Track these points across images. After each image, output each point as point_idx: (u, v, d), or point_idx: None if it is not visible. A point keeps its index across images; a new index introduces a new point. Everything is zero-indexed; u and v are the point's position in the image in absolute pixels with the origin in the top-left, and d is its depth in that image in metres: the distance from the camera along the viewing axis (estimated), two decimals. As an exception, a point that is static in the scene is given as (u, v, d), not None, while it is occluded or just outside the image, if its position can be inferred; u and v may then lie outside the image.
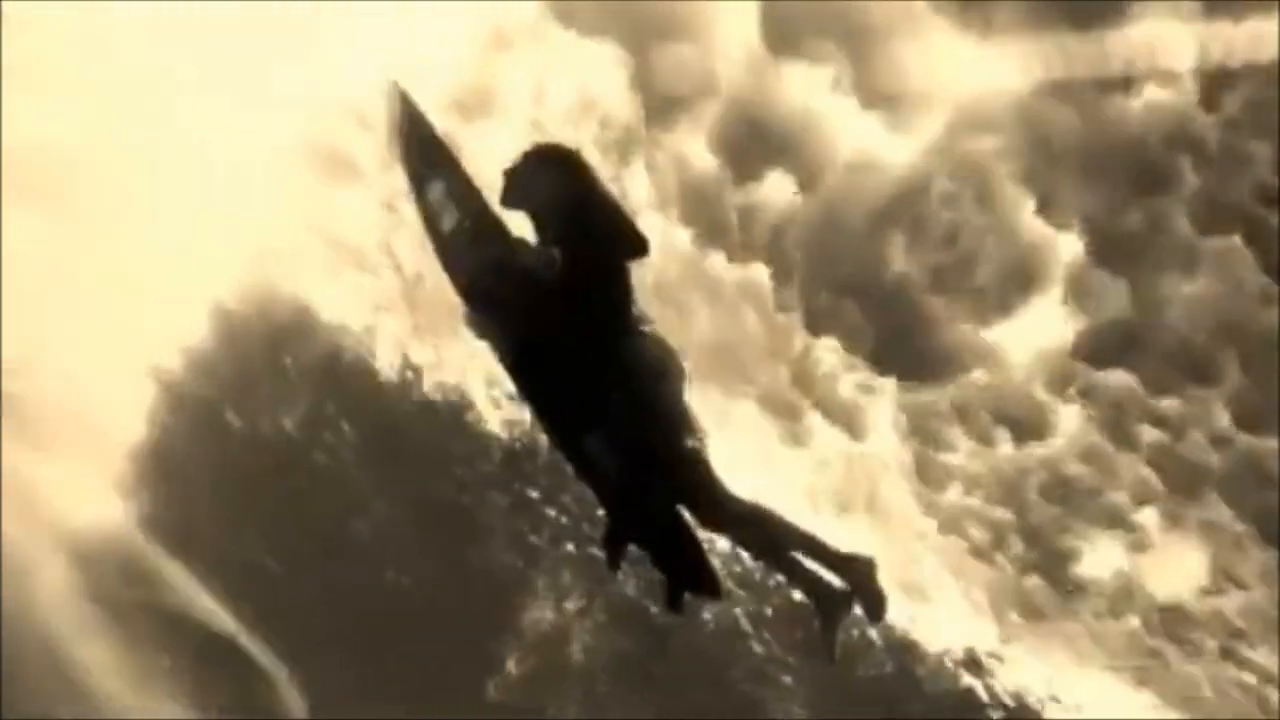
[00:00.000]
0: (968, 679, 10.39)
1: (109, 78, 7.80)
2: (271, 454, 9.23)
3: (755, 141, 10.19)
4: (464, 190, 5.49)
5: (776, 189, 10.42)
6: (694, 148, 10.41)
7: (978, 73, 10.01)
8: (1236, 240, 10.41)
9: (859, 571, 5.22)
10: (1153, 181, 10.43)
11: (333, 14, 7.24)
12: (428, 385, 9.79)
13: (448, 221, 5.48)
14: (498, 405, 9.88)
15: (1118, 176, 10.48)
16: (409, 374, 9.82)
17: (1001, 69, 9.92)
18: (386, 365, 9.83)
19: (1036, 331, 10.70)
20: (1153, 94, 10.30)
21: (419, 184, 5.56)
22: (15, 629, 7.85)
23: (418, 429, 9.72)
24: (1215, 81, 10.10)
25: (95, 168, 7.84)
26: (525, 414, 9.57)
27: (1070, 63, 9.79)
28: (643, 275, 4.95)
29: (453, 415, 9.82)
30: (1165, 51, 9.74)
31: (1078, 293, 10.78)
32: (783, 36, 9.71)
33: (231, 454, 9.05)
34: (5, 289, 7.64)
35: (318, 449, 9.36)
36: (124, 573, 8.50)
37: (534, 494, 9.87)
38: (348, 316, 9.63)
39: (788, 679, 9.95)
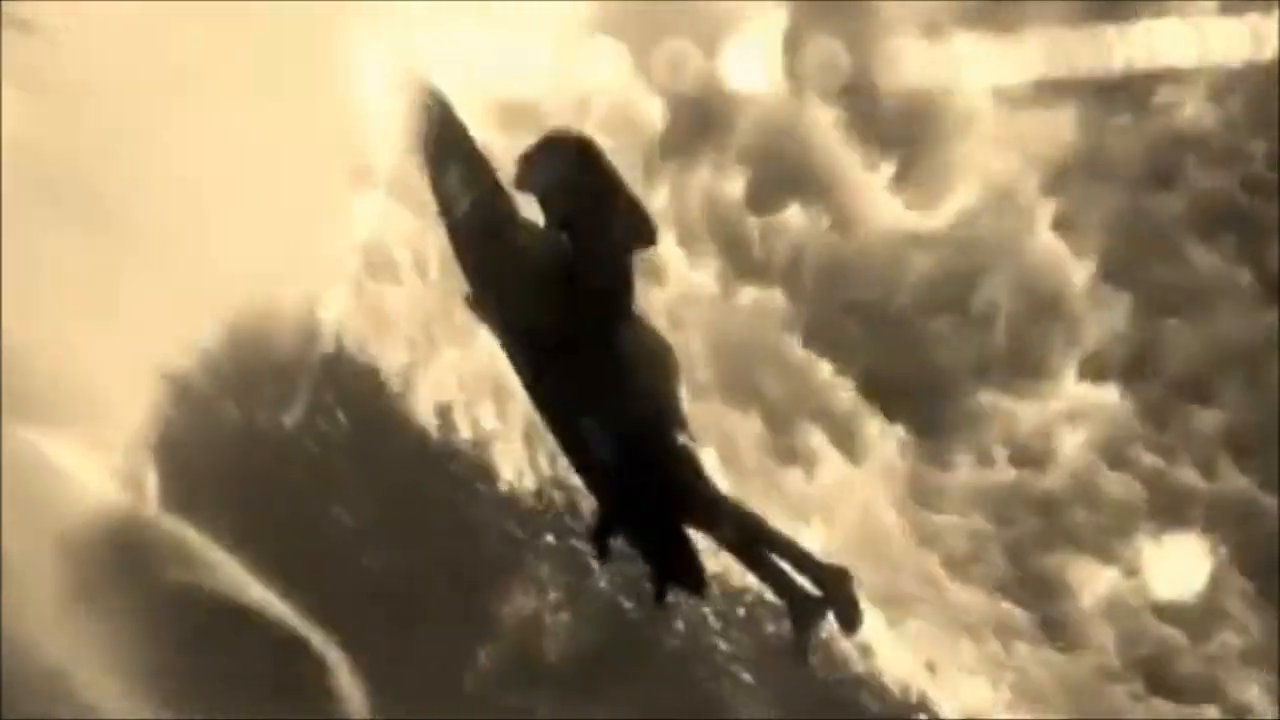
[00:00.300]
0: (928, 690, 10.59)
1: (121, 75, 7.90)
2: (269, 446, 9.37)
3: (779, 172, 10.35)
4: (480, 175, 5.72)
5: (797, 217, 10.60)
6: (719, 170, 10.59)
7: (986, 71, 10.09)
8: (1234, 248, 10.51)
9: (836, 582, 5.47)
10: (1159, 184, 10.53)
11: (358, 15, 7.35)
12: (429, 384, 9.95)
13: (461, 205, 5.66)
14: (502, 412, 10.05)
15: (1128, 180, 10.59)
16: (412, 373, 9.97)
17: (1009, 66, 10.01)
18: (390, 364, 9.99)
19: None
20: (1162, 93, 10.41)
21: (435, 169, 5.72)
22: (15, 627, 7.96)
23: (415, 423, 9.89)
24: (1219, 80, 10.22)
25: (105, 167, 7.95)
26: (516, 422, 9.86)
27: (1078, 61, 9.88)
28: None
29: (449, 412, 9.99)
30: (1172, 50, 9.84)
31: (1085, 310, 10.88)
32: (794, 40, 9.85)
33: (229, 445, 9.19)
34: (10, 284, 7.75)
35: (310, 438, 9.52)
36: (136, 559, 8.61)
37: (517, 488, 10.04)
38: (354, 316, 9.77)
39: (751, 678, 10.16)
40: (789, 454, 10.88)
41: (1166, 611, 11.03)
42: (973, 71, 9.99)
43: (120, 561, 8.56)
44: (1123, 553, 11.12)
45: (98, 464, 8.74)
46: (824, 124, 10.49)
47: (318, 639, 9.08)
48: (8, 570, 7.98)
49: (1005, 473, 11.07)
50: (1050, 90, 10.14)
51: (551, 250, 5.44)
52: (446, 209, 5.76)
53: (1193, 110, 10.39)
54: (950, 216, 10.75)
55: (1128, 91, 10.21)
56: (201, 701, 8.56)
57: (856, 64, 9.98)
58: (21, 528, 8.07)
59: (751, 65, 9.97)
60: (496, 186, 5.67)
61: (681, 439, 5.39)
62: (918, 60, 9.87)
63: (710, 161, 10.62)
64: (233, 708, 8.63)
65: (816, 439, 10.94)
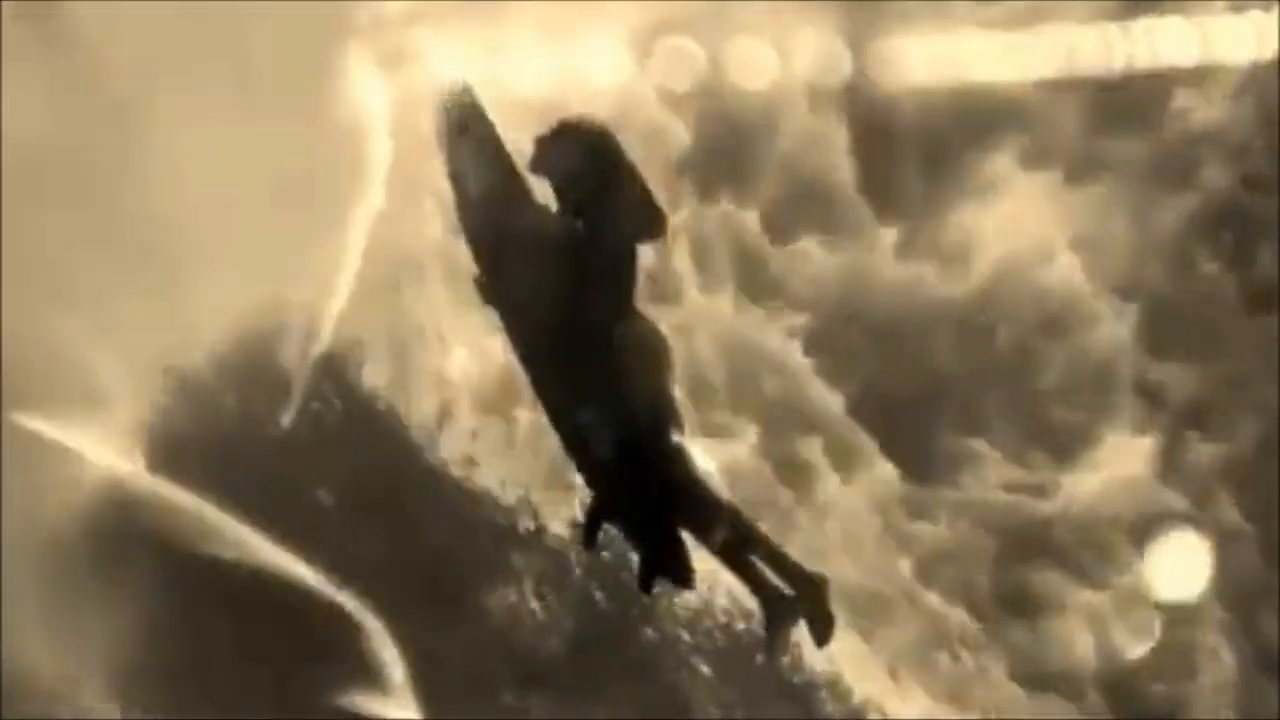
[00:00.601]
0: (889, 699, 10.75)
1: (124, 73, 7.96)
2: (266, 436, 9.46)
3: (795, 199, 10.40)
4: (496, 158, 5.81)
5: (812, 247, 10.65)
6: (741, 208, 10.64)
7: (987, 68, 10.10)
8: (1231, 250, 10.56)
9: (812, 590, 5.65)
10: (1173, 185, 10.56)
11: (363, 14, 7.38)
12: (431, 383, 10.04)
13: (475, 188, 5.75)
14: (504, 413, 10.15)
15: (1141, 182, 10.61)
16: (414, 372, 10.05)
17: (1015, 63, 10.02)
18: (393, 361, 10.06)
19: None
20: (1179, 97, 10.43)
21: (451, 149, 5.84)
22: (15, 627, 8.03)
23: (413, 420, 9.99)
24: (1234, 81, 10.26)
25: (114, 166, 8.00)
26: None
27: (1080, 57, 9.89)
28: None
29: (445, 408, 10.08)
30: (1182, 48, 9.86)
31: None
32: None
33: (224, 434, 9.28)
34: (10, 281, 7.82)
35: (305, 426, 9.59)
36: (147, 541, 8.68)
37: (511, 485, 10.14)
38: (357, 316, 9.83)
39: (710, 672, 10.30)
40: (784, 461, 10.95)
41: (1143, 639, 11.09)
42: (991, 72, 10.00)
43: (128, 547, 8.62)
44: (1105, 576, 11.18)
45: (99, 456, 8.79)
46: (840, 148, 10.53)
47: (352, 605, 9.14)
48: (8, 569, 8.04)
49: (997, 495, 11.12)
50: (1054, 90, 10.15)
51: (563, 235, 5.58)
52: (460, 190, 5.86)
53: (1208, 113, 10.42)
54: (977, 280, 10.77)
55: (1129, 92, 10.22)
56: (213, 692, 8.62)
57: (857, 65, 9.99)
58: (23, 524, 8.14)
59: (766, 80, 9.99)
60: (512, 169, 5.78)
61: (677, 439, 5.49)
62: (927, 63, 9.89)
63: (728, 183, 10.64)
64: (250, 688, 8.69)
65: (811, 449, 11.00)
